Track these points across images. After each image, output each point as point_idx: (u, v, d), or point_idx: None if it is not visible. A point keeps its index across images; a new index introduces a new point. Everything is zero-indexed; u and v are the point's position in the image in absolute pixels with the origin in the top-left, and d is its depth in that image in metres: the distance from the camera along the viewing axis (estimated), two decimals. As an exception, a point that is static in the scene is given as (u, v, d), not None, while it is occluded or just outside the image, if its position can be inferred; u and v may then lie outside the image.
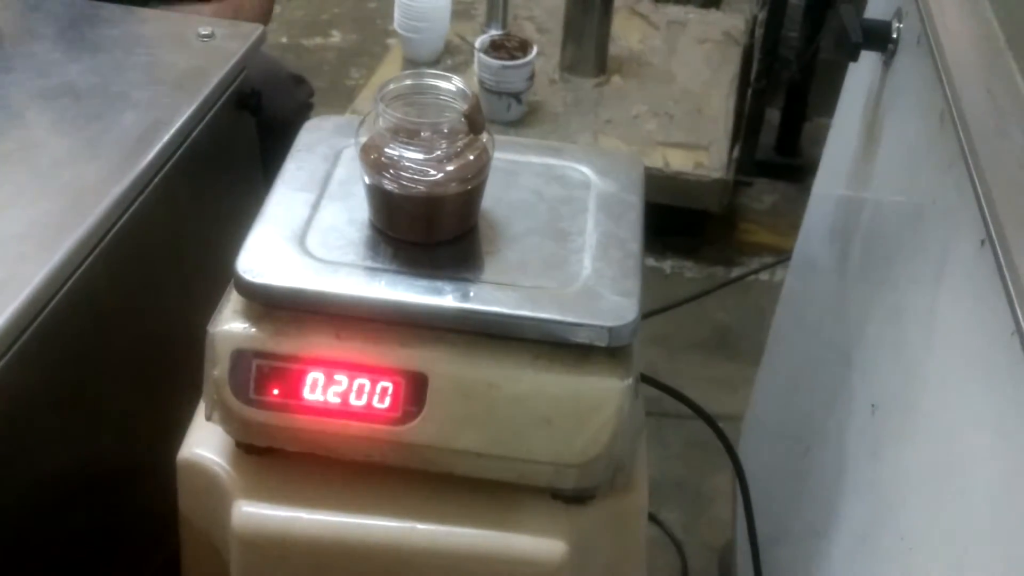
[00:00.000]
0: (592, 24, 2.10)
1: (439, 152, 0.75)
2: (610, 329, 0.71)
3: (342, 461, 0.76)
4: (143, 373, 1.00)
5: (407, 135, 0.75)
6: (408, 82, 0.78)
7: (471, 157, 0.76)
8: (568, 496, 0.76)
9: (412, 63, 2.11)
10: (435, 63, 2.11)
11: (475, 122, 0.75)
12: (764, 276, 1.93)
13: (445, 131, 0.75)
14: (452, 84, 0.77)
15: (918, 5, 0.78)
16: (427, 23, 2.08)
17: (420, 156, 0.75)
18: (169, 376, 0.96)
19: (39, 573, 0.88)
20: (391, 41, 2.46)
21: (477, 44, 1.96)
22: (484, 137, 0.77)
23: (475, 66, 1.96)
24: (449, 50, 2.16)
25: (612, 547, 0.80)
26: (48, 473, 0.87)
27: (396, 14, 2.09)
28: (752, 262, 1.98)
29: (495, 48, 1.94)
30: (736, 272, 1.96)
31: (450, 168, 0.75)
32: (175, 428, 0.83)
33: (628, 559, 0.83)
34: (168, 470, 0.82)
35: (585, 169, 0.86)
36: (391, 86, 0.77)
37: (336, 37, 2.64)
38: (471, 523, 0.74)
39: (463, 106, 0.76)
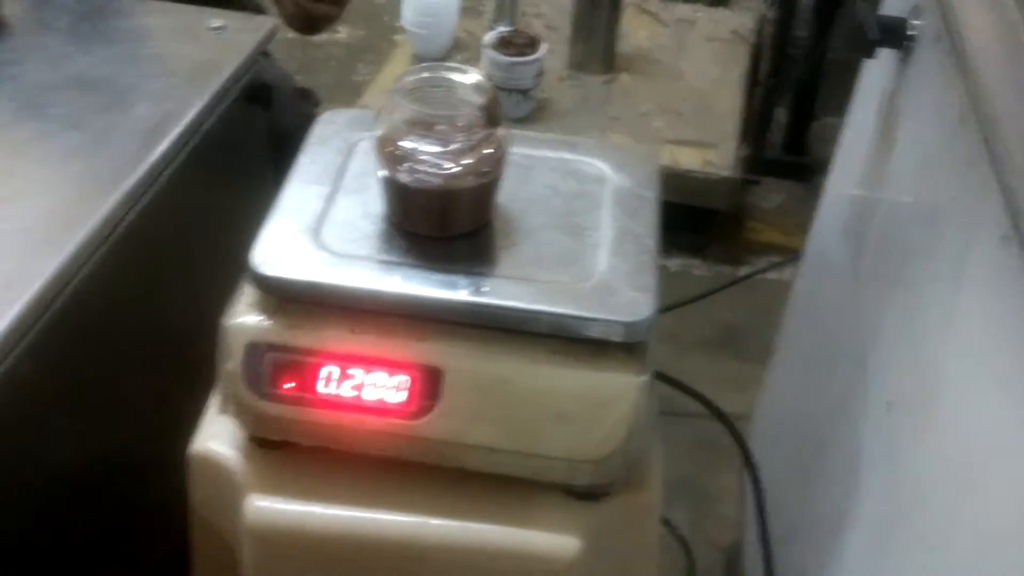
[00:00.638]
0: (600, 21, 2.10)
1: (455, 145, 0.74)
2: (626, 324, 0.71)
3: (356, 455, 0.75)
4: (153, 366, 1.00)
5: (423, 128, 0.74)
6: (425, 75, 0.77)
7: (487, 151, 0.75)
8: (582, 492, 0.75)
9: (420, 59, 2.10)
10: (443, 59, 2.11)
11: (492, 115, 0.75)
12: (771, 275, 1.93)
13: (462, 124, 0.75)
14: (469, 77, 0.77)
15: (939, 1, 0.77)
16: (435, 19, 2.08)
17: (436, 149, 0.74)
18: (180, 369, 0.95)
19: (43, 564, 0.87)
20: (398, 37, 2.45)
21: (486, 40, 1.96)
22: (501, 131, 0.77)
23: (483, 62, 1.96)
24: (457, 46, 2.16)
25: (625, 544, 0.79)
26: (55, 465, 0.86)
27: (404, 10, 2.09)
28: (759, 261, 1.97)
29: (503, 45, 1.93)
30: (743, 271, 1.95)
31: (466, 161, 0.75)
32: (185, 421, 0.83)
33: (641, 556, 0.82)
34: (176, 463, 0.81)
35: (601, 164, 0.85)
36: (408, 78, 0.77)
37: (343, 33, 2.64)
38: (485, 518, 0.74)
39: (480, 99, 0.75)
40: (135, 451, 0.99)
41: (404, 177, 0.74)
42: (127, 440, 0.97)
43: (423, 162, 0.74)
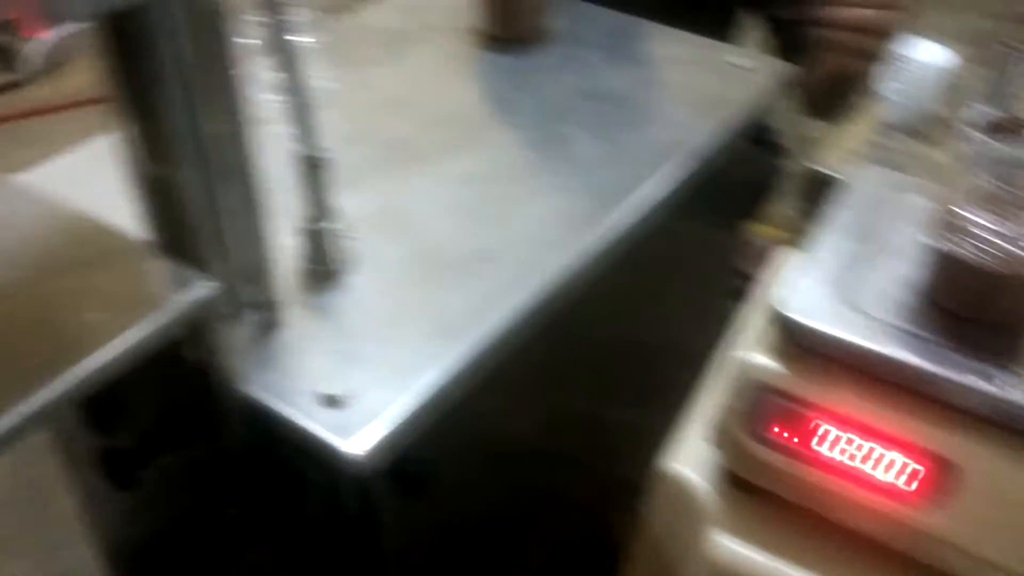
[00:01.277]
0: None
1: (1027, 229, 0.68)
2: None
3: (832, 524, 0.72)
4: (617, 372, 1.03)
5: (994, 203, 0.69)
6: (1008, 149, 0.72)
7: (1061, 242, 0.68)
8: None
9: (888, 127, 2.01)
10: (915, 131, 2.00)
11: (1083, 206, 0.68)
12: None
13: (1042, 209, 0.68)
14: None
15: None
16: (913, 87, 1.97)
17: (1007, 231, 0.69)
18: (638, 382, 0.98)
19: (470, 525, 0.92)
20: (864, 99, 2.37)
21: (969, 120, 1.82)
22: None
23: (962, 143, 1.82)
24: (932, 121, 2.03)
25: None
26: (511, 447, 0.91)
27: (880, 73, 2.00)
28: None
29: (994, 128, 1.78)
30: None
31: (1035, 249, 0.68)
32: (645, 433, 0.83)
33: None
34: (603, 468, 0.81)
35: None
36: (987, 147, 0.71)
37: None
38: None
39: (1068, 186, 0.69)
40: (573, 444, 1.02)
41: (961, 251, 0.70)
42: (572, 431, 1.01)
43: (986, 239, 0.69)
